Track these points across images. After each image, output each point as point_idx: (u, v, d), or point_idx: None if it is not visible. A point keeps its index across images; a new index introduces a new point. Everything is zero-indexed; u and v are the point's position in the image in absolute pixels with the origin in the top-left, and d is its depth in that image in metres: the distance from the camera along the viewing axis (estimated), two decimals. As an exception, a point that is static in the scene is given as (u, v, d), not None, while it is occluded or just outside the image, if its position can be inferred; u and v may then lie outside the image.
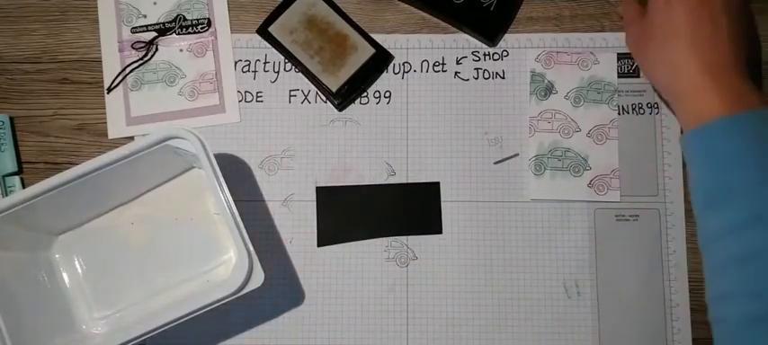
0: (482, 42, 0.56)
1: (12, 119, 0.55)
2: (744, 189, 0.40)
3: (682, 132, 0.46)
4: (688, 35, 0.44)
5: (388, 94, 0.55)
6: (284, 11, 0.55)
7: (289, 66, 0.56)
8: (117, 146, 0.46)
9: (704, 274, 0.44)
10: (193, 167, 0.53)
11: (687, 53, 0.44)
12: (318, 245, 0.54)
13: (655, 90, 0.53)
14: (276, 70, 0.56)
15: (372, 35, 0.55)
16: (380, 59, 0.55)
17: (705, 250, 0.43)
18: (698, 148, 0.43)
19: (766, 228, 0.39)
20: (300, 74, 0.55)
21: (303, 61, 0.54)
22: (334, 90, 0.54)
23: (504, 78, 0.55)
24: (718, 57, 0.43)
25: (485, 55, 0.56)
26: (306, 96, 0.55)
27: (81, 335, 0.50)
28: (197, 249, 0.52)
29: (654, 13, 0.47)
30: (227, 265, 0.52)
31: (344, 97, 0.54)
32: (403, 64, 0.56)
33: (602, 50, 0.55)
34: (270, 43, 0.55)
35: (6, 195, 0.53)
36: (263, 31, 0.55)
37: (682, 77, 0.44)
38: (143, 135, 0.55)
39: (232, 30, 0.56)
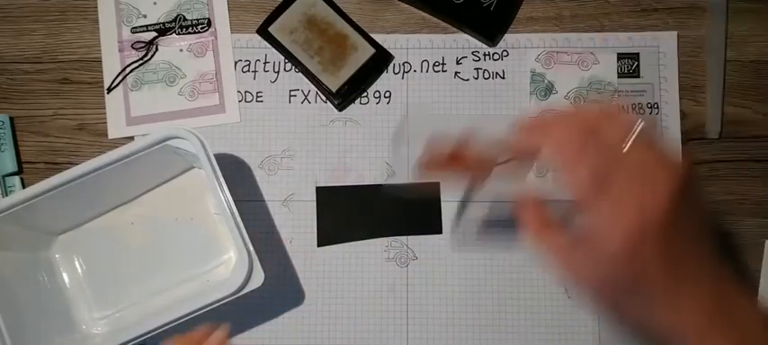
0: (482, 42, 0.56)
1: (12, 119, 0.55)
2: None
3: None
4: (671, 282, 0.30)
5: (388, 94, 0.55)
6: (284, 11, 0.55)
7: (289, 66, 0.56)
8: (117, 146, 0.46)
9: None
10: (193, 167, 0.53)
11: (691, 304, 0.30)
12: (318, 245, 0.54)
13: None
14: (276, 70, 0.56)
15: (372, 35, 0.55)
16: (380, 59, 0.55)
17: None
18: None
19: None
20: (300, 74, 0.55)
21: (303, 61, 0.54)
22: (334, 90, 0.54)
23: (504, 78, 0.55)
24: (727, 288, 0.31)
25: (485, 55, 0.56)
26: (306, 96, 0.55)
27: (81, 335, 0.50)
28: (197, 249, 0.52)
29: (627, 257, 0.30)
30: (227, 265, 0.52)
31: (344, 97, 0.54)
32: (403, 64, 0.56)
33: (602, 50, 0.55)
34: (270, 43, 0.55)
35: (6, 195, 0.53)
36: (263, 31, 0.55)
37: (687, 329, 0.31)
38: (143, 135, 0.55)
39: (232, 31, 0.56)
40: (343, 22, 0.55)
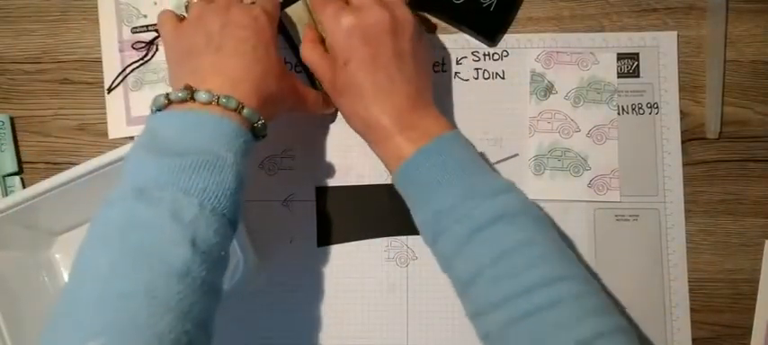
0: (482, 42, 0.56)
1: (12, 119, 0.55)
2: (449, 209, 0.42)
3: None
4: (370, 94, 0.45)
5: (388, 94, 0.55)
6: (286, 7, 0.55)
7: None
8: (117, 146, 0.46)
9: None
10: (193, 167, 0.53)
11: (372, 109, 0.46)
12: (318, 245, 0.54)
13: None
14: (276, 70, 0.56)
15: (372, 35, 0.55)
16: (380, 59, 0.55)
17: (448, 272, 0.45)
18: (403, 188, 0.46)
19: (483, 243, 0.41)
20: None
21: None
22: (334, 90, 0.54)
23: (503, 78, 0.55)
24: (397, 104, 0.45)
25: (485, 55, 0.56)
26: (306, 96, 0.55)
27: (81, 335, 0.50)
28: (197, 249, 0.52)
29: (337, 71, 0.47)
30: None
31: (344, 97, 0.54)
32: (403, 64, 0.55)
33: (601, 50, 0.55)
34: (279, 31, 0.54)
35: (6, 195, 0.53)
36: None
37: (372, 129, 0.46)
38: (143, 135, 0.55)
39: (232, 31, 0.56)
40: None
